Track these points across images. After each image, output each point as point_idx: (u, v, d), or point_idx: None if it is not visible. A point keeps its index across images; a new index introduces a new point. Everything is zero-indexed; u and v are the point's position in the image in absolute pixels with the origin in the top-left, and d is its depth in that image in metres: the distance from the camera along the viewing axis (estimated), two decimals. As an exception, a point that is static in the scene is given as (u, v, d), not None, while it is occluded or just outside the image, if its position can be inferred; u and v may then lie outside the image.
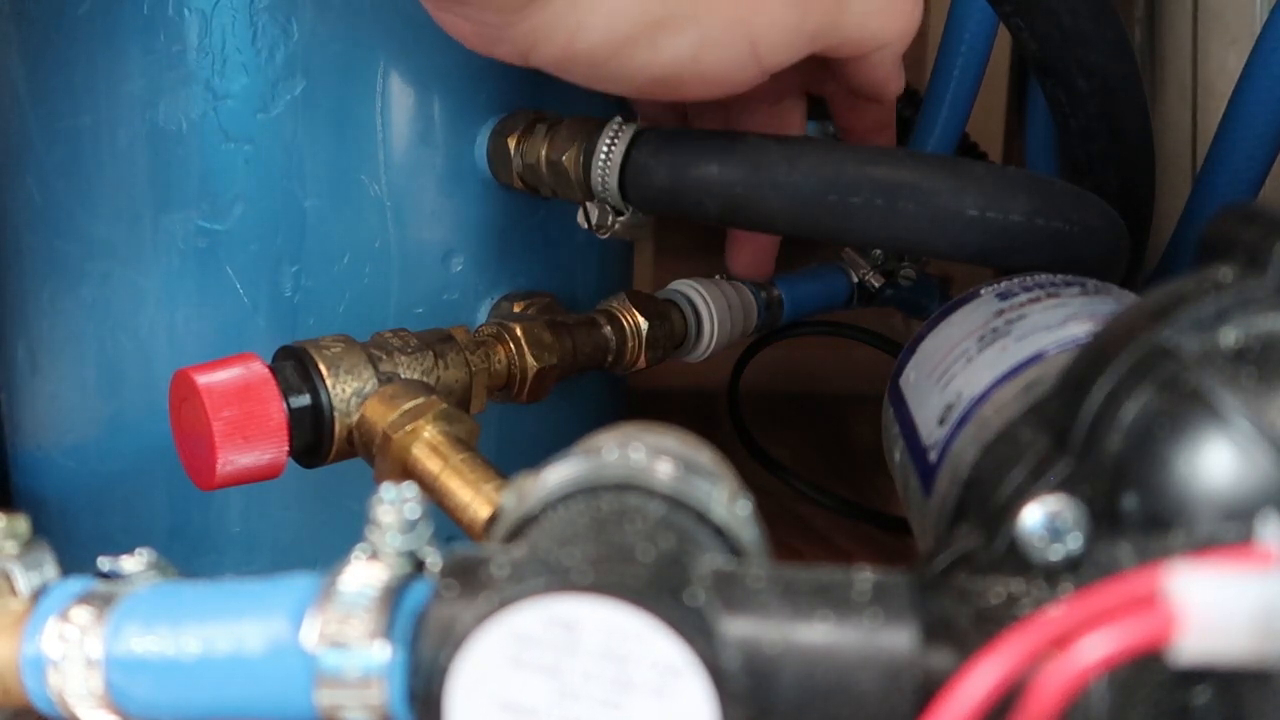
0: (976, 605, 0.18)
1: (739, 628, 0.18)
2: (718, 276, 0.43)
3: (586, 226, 0.37)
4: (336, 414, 0.31)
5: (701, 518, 0.20)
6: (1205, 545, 0.17)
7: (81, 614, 0.20)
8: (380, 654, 0.18)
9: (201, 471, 0.30)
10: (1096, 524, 0.18)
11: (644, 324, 0.39)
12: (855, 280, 0.48)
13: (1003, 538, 0.19)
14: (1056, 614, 0.16)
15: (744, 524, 0.21)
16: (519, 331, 0.36)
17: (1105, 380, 0.19)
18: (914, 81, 0.41)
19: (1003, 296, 0.31)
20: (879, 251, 0.48)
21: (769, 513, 0.21)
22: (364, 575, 0.19)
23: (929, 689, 0.17)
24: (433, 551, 0.20)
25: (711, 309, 0.41)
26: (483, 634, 0.17)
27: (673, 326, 0.40)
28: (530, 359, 0.35)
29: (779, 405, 0.63)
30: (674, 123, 0.40)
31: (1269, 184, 0.40)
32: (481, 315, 0.39)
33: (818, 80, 0.38)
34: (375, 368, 0.32)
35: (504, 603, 0.17)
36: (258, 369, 0.30)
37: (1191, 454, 0.17)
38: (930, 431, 0.29)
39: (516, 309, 0.39)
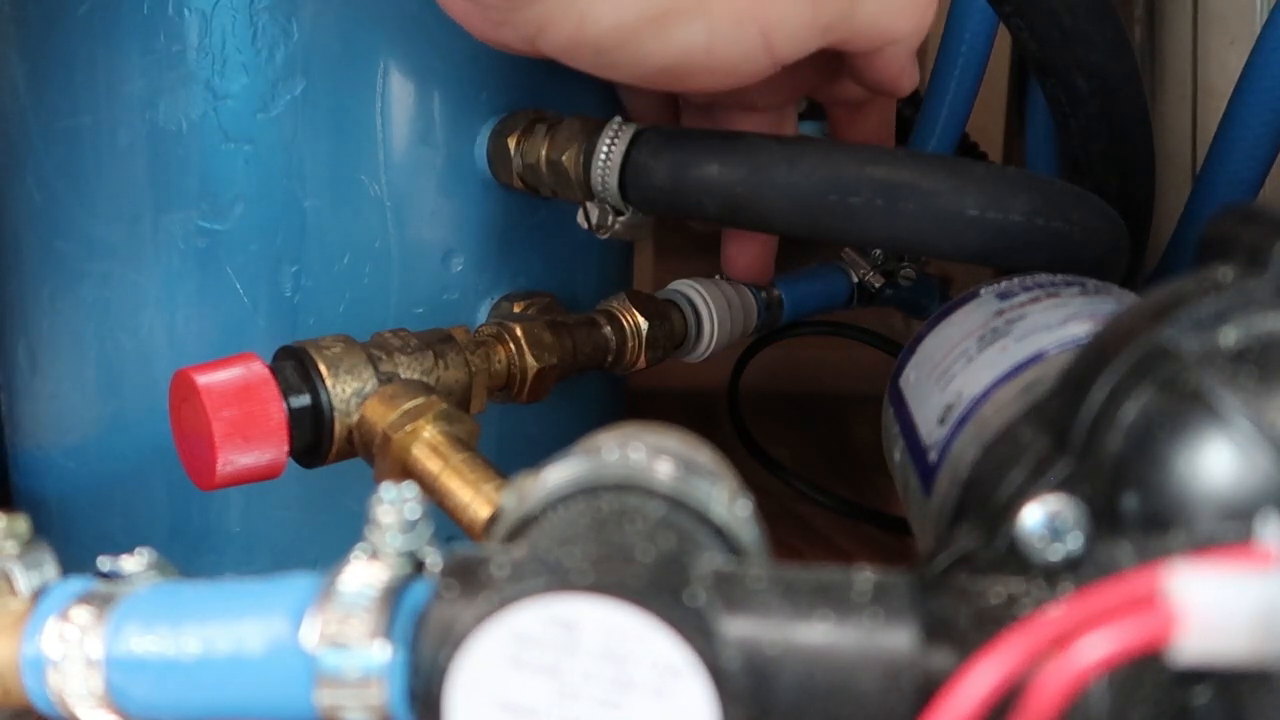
0: (976, 605, 0.18)
1: (739, 628, 0.18)
2: (718, 276, 0.43)
3: (586, 226, 0.37)
4: (336, 414, 0.31)
5: (701, 518, 0.20)
6: (1205, 545, 0.17)
7: (81, 614, 0.20)
8: (380, 654, 0.18)
9: (201, 472, 0.30)
10: (1096, 524, 0.18)
11: (644, 324, 0.39)
12: (855, 280, 0.48)
13: (1003, 538, 0.19)
14: (1056, 614, 0.16)
15: (744, 524, 0.21)
16: (519, 331, 0.36)
17: (1105, 380, 0.19)
18: (914, 81, 0.41)
19: (1003, 296, 0.31)
20: (879, 251, 0.48)
21: (769, 513, 0.21)
22: (364, 575, 0.19)
23: (929, 689, 0.17)
24: (433, 551, 0.20)
25: (711, 309, 0.41)
26: (483, 634, 0.17)
27: (673, 326, 0.40)
28: (530, 359, 0.35)
29: (779, 405, 0.63)
30: (666, 123, 0.40)
31: (1269, 184, 0.40)
32: (481, 315, 0.39)
33: (820, 85, 0.38)
34: (375, 368, 0.32)
35: (504, 603, 0.17)
36: (258, 369, 0.30)
37: (1191, 454, 0.17)
38: (930, 431, 0.29)
39: (516, 309, 0.39)
